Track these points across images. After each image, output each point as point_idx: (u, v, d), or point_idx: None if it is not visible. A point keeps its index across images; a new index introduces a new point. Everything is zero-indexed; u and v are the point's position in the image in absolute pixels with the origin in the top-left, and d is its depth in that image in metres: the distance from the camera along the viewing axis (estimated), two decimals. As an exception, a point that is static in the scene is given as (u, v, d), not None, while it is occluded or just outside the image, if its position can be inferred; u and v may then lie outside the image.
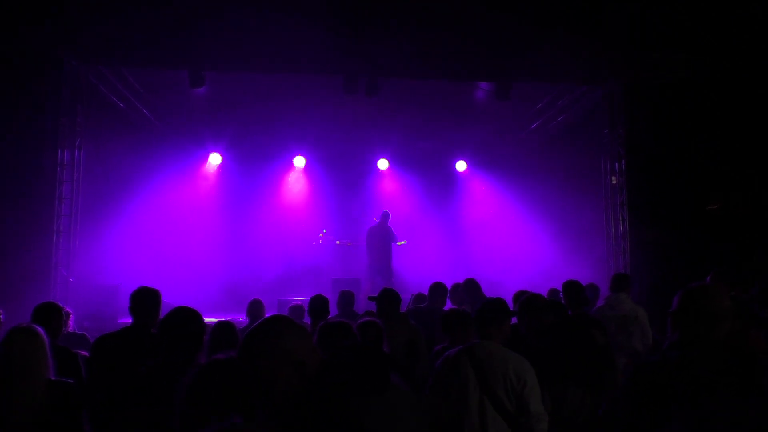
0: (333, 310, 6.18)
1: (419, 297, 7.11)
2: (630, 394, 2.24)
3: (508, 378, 3.18)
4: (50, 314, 4.16)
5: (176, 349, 2.91)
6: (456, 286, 6.74)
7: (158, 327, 3.03)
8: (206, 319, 3.21)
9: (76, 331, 5.92)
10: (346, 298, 6.00)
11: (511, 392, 3.17)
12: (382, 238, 11.60)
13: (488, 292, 6.56)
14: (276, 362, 1.96)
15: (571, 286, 5.18)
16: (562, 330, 3.98)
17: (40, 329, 2.92)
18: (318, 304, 5.27)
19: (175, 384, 2.07)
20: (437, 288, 6.09)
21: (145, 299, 3.84)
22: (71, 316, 5.88)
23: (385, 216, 11.70)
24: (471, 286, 6.47)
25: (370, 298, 4.89)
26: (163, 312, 3.48)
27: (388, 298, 4.78)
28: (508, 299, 5.42)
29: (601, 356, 3.95)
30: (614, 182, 10.38)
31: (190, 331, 2.97)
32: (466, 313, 4.35)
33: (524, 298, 4.07)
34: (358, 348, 2.26)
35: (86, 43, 8.79)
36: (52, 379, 2.89)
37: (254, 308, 6.30)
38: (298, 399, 1.94)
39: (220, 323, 4.14)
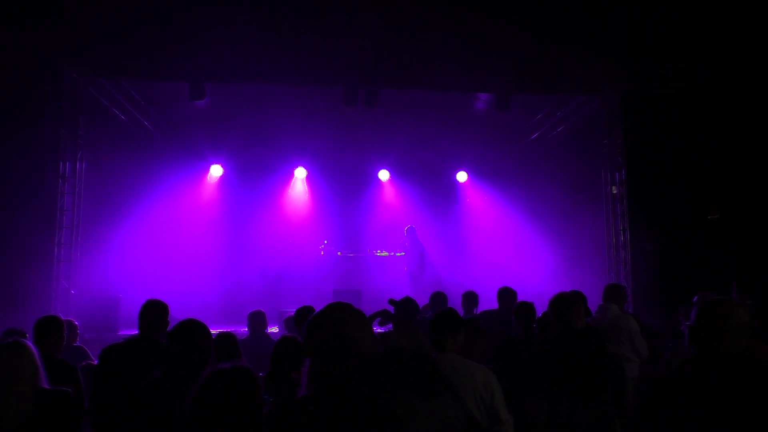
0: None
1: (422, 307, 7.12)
2: (648, 410, 2.24)
3: (477, 391, 3.15)
4: (51, 327, 4.16)
5: (182, 361, 2.94)
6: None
7: (167, 338, 3.09)
8: (207, 331, 3.21)
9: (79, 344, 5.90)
10: None
11: (481, 404, 3.14)
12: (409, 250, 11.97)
13: (489, 303, 6.57)
14: (341, 354, 1.95)
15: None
16: (566, 338, 3.99)
17: (28, 343, 2.93)
18: (303, 315, 5.24)
19: (179, 395, 2.08)
20: (438, 298, 6.10)
21: (151, 311, 4.04)
22: (78, 328, 5.88)
23: (410, 231, 11.76)
24: (469, 298, 6.49)
25: (391, 301, 4.88)
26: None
27: (405, 306, 4.76)
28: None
29: (607, 366, 3.93)
30: (614, 192, 10.37)
31: (197, 343, 3.02)
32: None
33: (554, 297, 4.04)
34: (410, 351, 2.24)
35: (86, 56, 8.84)
36: (46, 388, 2.89)
37: (255, 319, 6.26)
38: (348, 389, 1.92)
39: (220, 334, 4.15)
